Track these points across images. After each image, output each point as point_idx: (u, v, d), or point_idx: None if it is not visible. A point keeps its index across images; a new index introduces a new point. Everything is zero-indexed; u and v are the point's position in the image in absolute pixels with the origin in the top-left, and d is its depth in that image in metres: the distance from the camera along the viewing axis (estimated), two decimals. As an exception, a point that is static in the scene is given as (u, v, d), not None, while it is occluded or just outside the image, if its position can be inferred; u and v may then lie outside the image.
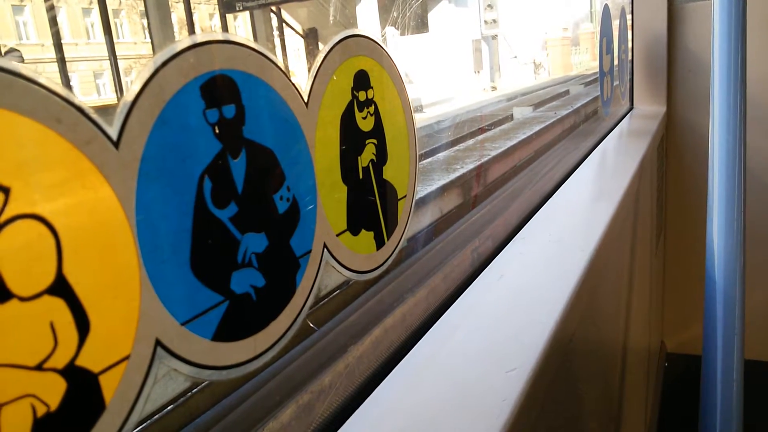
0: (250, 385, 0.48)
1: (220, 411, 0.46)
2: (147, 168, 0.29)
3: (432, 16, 13.49)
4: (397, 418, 0.45)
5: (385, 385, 0.50)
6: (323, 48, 0.43)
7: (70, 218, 0.25)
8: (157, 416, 0.58)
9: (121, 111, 0.28)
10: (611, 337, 1.06)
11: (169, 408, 0.60)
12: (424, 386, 0.49)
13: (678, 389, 2.12)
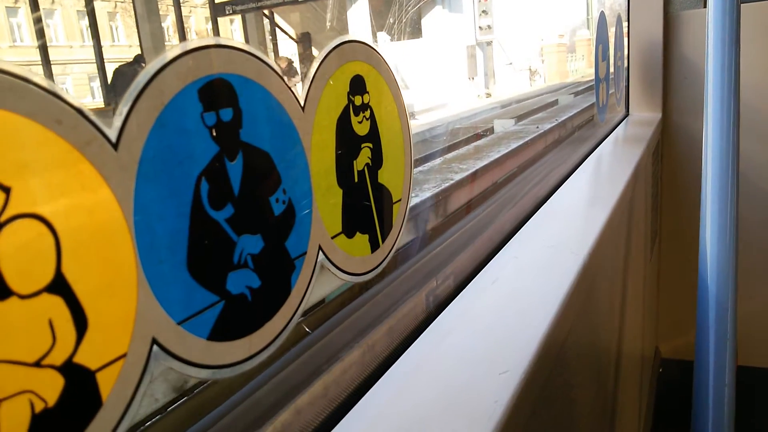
0: (243, 391, 0.48)
1: (209, 420, 0.46)
2: (145, 169, 0.29)
3: (426, 22, 13.50)
4: (388, 421, 0.45)
5: (377, 389, 0.50)
6: (320, 53, 0.44)
7: (69, 218, 0.26)
8: (149, 423, 0.58)
9: (120, 113, 0.28)
10: (605, 341, 1.06)
11: (159, 416, 0.60)
12: (416, 388, 0.49)
13: (673, 395, 2.13)
